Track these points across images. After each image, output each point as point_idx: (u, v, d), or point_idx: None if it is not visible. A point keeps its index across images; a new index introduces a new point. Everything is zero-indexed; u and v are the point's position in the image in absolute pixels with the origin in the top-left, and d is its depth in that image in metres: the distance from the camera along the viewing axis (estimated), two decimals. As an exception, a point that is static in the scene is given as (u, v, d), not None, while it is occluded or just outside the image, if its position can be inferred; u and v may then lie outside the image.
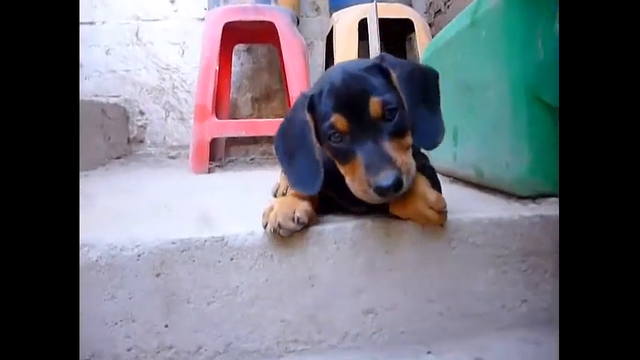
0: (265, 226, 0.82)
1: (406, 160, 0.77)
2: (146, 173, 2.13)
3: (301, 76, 2.21)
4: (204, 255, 0.82)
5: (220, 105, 2.49)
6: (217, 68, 2.15)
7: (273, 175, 1.44)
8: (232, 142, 2.70)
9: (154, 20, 2.61)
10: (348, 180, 0.79)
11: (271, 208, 0.83)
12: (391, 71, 0.80)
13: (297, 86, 2.16)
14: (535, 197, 1.06)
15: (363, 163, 0.74)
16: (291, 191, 0.94)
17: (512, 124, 1.06)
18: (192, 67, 2.63)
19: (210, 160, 2.30)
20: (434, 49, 1.55)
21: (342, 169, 0.81)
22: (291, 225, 0.81)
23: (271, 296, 0.84)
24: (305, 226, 0.83)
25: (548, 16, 1.03)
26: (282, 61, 2.39)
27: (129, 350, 0.82)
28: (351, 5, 2.29)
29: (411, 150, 0.81)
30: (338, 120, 0.76)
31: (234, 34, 2.38)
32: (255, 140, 2.71)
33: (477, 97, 1.23)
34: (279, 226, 0.79)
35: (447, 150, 1.48)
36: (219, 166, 2.44)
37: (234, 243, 0.83)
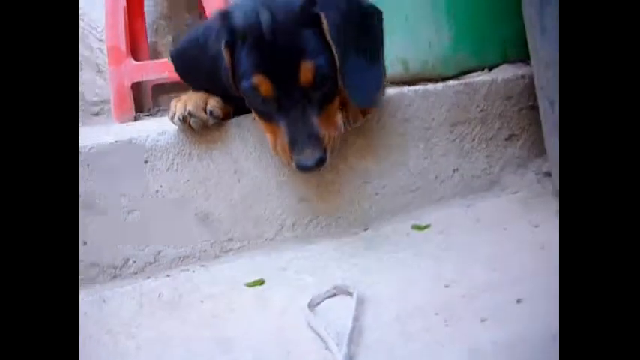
0: (173, 118, 0.75)
1: (333, 133, 0.71)
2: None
3: (220, 5, 2.05)
4: (112, 161, 0.75)
5: (138, 50, 2.28)
6: (125, 4, 1.95)
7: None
8: (160, 90, 2.52)
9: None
10: (268, 137, 0.73)
11: (179, 99, 0.76)
12: (323, 18, 0.67)
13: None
14: (459, 75, 1.05)
15: (287, 136, 0.68)
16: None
17: (431, 1, 1.03)
18: (101, 12, 2.37)
19: (138, 111, 2.14)
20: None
21: (261, 123, 0.74)
22: (203, 115, 0.74)
23: (197, 196, 0.79)
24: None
25: None
26: (198, -7, 2.20)
27: (46, 275, 0.75)
28: None
29: (338, 112, 0.74)
30: (262, 83, 0.66)
31: (139, -34, 2.15)
32: (185, 86, 2.54)
33: (395, -15, 1.18)
34: (190, 114, 0.72)
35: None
36: (148, 115, 2.27)
37: (145, 144, 0.76)
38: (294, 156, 0.67)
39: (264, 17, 0.66)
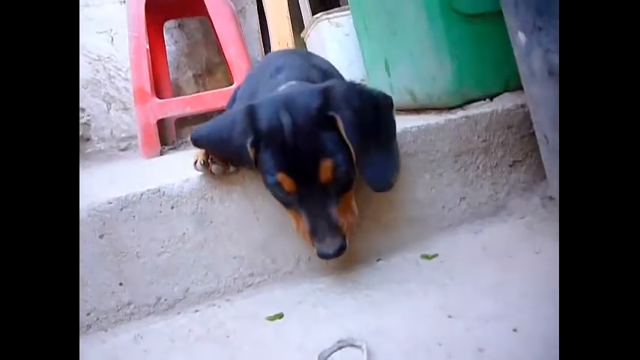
0: (195, 163, 0.83)
1: (350, 219, 0.76)
2: (97, 169, 2.08)
3: (237, 44, 2.17)
4: (143, 209, 0.83)
5: (161, 87, 2.43)
6: (148, 47, 2.08)
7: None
8: (182, 123, 2.65)
9: (75, 11, 2.49)
10: (291, 219, 0.79)
11: (201, 150, 0.84)
12: (337, 119, 0.71)
13: (235, 55, 2.13)
14: (463, 105, 1.10)
15: (308, 225, 0.73)
16: None
17: (432, 37, 1.09)
18: (125, 54, 2.53)
19: (162, 144, 2.27)
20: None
21: (282, 206, 0.80)
22: (224, 163, 0.82)
23: (220, 236, 0.86)
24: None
25: None
26: (216, 31, 2.33)
27: (88, 314, 0.83)
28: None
29: (353, 198, 0.79)
30: (284, 180, 0.72)
31: (160, 10, 2.30)
32: (205, 118, 2.67)
33: (397, 21, 1.25)
34: (211, 160, 0.81)
35: (383, 83, 1.50)
36: (172, 149, 2.40)
37: (172, 192, 0.84)
38: (315, 244, 0.72)
39: (286, 120, 0.71)
